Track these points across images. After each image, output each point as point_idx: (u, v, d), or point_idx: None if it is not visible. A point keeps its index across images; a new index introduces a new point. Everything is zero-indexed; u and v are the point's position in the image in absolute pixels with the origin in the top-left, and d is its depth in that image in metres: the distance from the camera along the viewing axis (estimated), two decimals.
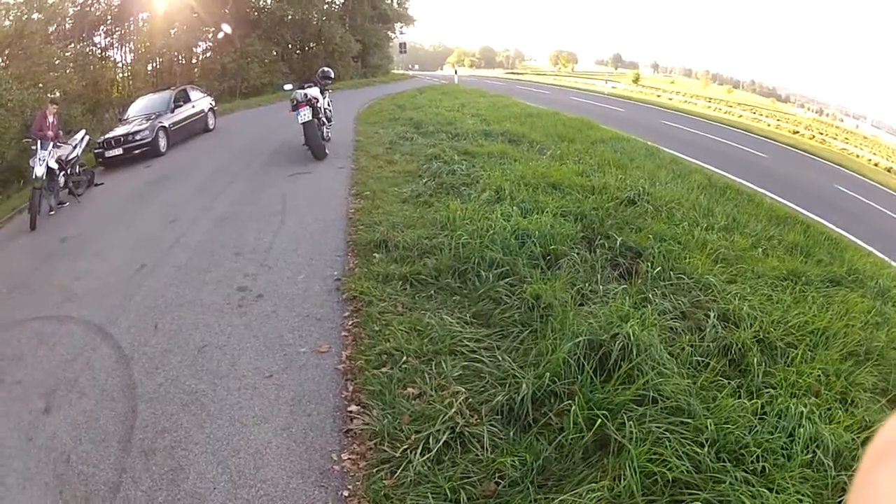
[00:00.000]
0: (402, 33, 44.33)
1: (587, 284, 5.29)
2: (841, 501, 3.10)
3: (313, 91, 11.50)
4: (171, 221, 8.27)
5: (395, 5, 41.91)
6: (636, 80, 56.04)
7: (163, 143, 13.62)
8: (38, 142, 9.61)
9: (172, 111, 14.69)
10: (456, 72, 47.43)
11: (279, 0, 31.44)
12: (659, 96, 47.43)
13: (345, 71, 33.47)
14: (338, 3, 37.76)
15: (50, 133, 9.83)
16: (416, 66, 61.73)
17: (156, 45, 27.00)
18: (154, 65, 28.12)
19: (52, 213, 9.59)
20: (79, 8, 23.44)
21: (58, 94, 17.51)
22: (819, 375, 4.25)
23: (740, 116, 40.96)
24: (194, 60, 30.10)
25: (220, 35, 26.69)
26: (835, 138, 39.33)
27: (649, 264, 5.85)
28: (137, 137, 13.06)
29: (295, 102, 11.03)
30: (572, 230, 6.45)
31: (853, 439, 3.53)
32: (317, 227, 7.58)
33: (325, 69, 13.15)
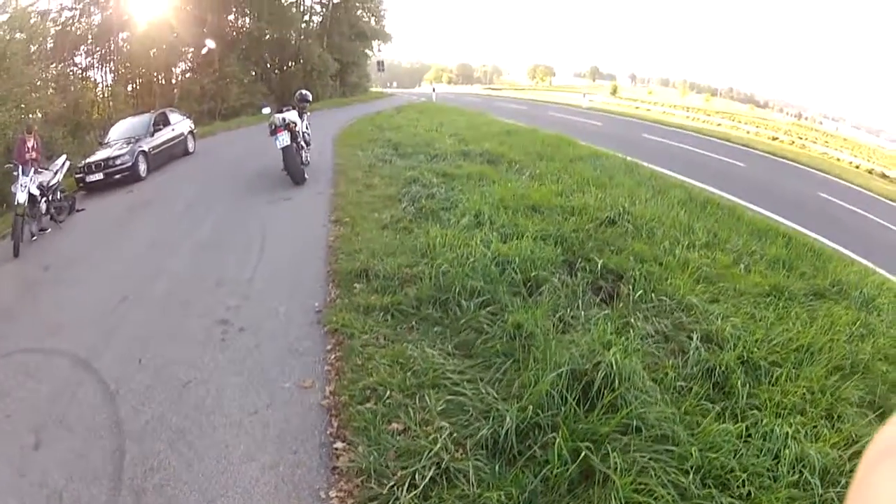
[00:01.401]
0: (379, 51, 44.39)
1: (569, 311, 5.32)
2: None
3: (291, 115, 11.54)
4: (152, 249, 8.29)
5: (373, 23, 41.94)
6: (614, 92, 56.56)
7: (143, 167, 13.64)
8: (20, 167, 9.68)
9: (152, 135, 14.71)
10: (434, 89, 47.37)
11: (258, 20, 31.53)
12: (637, 108, 47.66)
13: (323, 90, 33.56)
14: (316, 21, 38.03)
15: (33, 155, 9.94)
16: (395, 84, 61.84)
17: (136, 66, 26.92)
18: (134, 85, 28.03)
19: (34, 238, 9.58)
20: (60, 27, 23.38)
21: (39, 115, 17.43)
22: (804, 393, 4.31)
23: (719, 125, 41.31)
24: (174, 81, 30.07)
25: (205, 51, 26.71)
26: (814, 142, 39.99)
27: (630, 287, 5.90)
28: (118, 162, 13.07)
29: (273, 127, 11.08)
30: (553, 254, 6.48)
31: (840, 456, 3.60)
32: (297, 255, 7.57)
33: (303, 92, 13.23)
